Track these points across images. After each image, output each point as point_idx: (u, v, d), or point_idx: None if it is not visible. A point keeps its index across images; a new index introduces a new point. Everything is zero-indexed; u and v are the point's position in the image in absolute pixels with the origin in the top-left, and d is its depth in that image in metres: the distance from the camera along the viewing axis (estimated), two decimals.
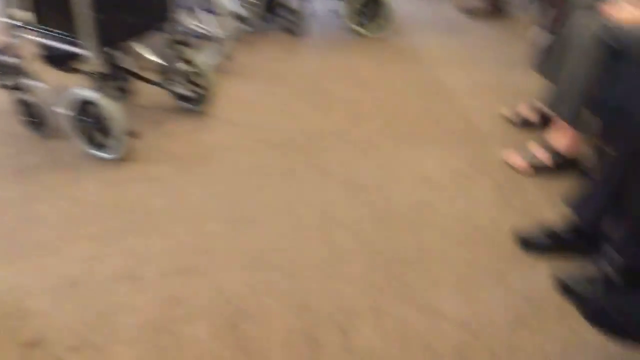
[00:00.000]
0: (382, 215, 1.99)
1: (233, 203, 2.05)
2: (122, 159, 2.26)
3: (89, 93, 2.14)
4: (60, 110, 2.24)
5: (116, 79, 2.54)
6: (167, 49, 2.48)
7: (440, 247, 1.85)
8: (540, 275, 1.74)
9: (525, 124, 2.55)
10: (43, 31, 2.15)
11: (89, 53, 2.07)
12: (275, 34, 3.56)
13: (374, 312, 1.60)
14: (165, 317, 1.57)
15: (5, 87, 2.39)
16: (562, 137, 2.18)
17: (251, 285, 1.68)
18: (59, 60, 2.30)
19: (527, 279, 1.73)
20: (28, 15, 2.18)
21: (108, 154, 2.25)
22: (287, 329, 1.54)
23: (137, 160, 2.28)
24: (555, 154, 2.20)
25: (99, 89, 2.13)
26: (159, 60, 2.54)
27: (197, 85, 2.56)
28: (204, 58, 2.56)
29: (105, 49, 2.12)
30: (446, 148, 2.41)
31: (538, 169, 2.22)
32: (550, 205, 2.03)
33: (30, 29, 2.18)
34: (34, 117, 2.41)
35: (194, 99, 2.60)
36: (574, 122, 2.11)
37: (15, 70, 2.33)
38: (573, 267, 1.74)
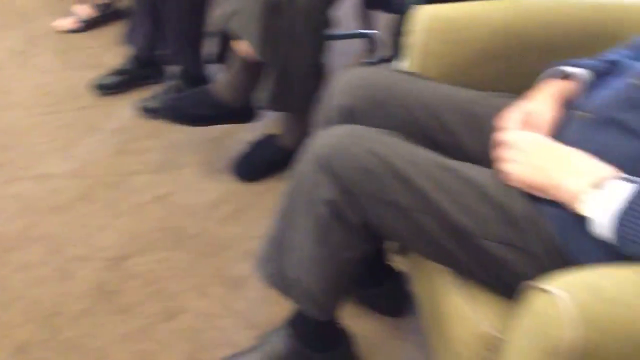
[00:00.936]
0: None
1: None
2: None
3: None
4: None
5: None
6: None
7: (29, 122, 1.90)
8: (126, 110, 1.96)
9: None
10: None
11: None
12: None
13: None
14: None
15: None
16: None
17: None
18: None
19: (117, 117, 1.93)
20: None
21: None
22: None
23: None
24: (98, 5, 2.35)
25: None
26: None
27: None
28: None
29: None
30: None
31: (89, 24, 2.35)
32: (110, 51, 2.22)
33: None
34: None
35: None
36: None
37: None
38: (150, 94, 2.00)
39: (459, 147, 1.01)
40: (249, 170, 1.72)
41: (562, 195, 0.79)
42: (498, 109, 0.99)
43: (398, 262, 1.28)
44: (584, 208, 0.75)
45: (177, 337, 1.28)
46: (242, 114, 1.70)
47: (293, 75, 1.53)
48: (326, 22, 1.59)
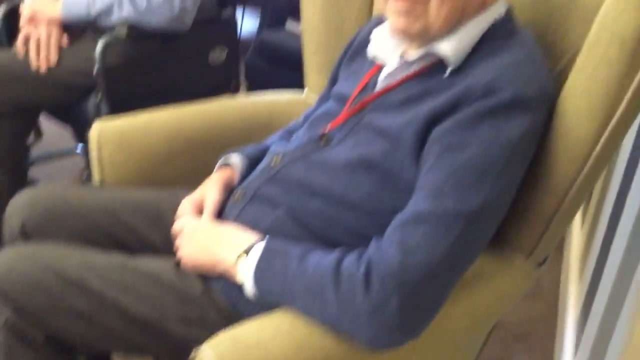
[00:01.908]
0: None
1: None
2: None
3: None
4: None
5: None
6: None
7: None
8: None
9: None
10: None
11: None
12: None
13: None
14: None
15: None
16: None
17: None
18: None
19: None
20: None
21: None
22: None
23: None
24: None
25: None
26: None
27: None
28: None
29: None
30: None
31: None
32: None
33: None
34: None
35: None
36: None
37: None
38: None
39: (146, 244, 1.07)
40: None
41: (224, 269, 0.89)
42: (179, 201, 1.09)
43: None
44: (238, 276, 0.86)
45: None
46: None
47: None
48: (21, 149, 1.59)
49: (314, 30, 1.35)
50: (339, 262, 0.80)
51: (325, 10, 1.31)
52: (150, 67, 1.60)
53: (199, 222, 0.98)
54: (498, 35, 0.87)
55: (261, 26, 2.49)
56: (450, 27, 0.87)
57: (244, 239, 0.90)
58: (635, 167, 1.15)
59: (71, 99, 1.56)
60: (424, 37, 0.88)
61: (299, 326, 0.76)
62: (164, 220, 1.09)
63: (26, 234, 1.03)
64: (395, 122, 0.88)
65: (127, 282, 0.90)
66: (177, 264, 0.95)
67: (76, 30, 1.57)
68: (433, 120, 0.83)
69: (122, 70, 1.53)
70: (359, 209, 0.88)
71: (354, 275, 0.77)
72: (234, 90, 1.87)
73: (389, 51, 0.97)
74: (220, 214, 1.02)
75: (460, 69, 0.86)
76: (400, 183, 0.86)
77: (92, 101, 1.54)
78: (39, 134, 2.24)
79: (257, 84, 2.50)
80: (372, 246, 0.80)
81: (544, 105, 0.82)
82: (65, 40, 1.54)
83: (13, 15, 1.63)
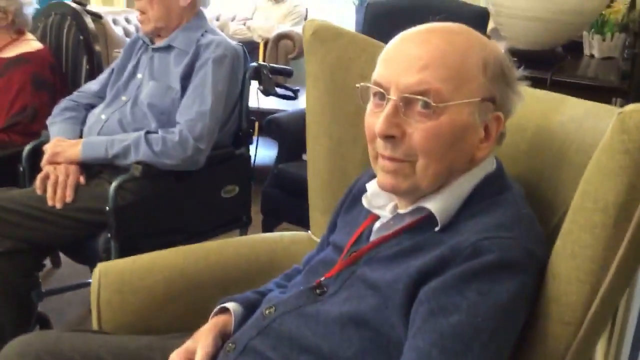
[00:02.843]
0: None
1: None
2: None
3: None
4: None
5: None
6: None
7: None
8: None
9: None
10: None
11: None
12: None
13: None
14: None
15: None
16: None
17: None
18: None
19: None
20: None
21: None
22: None
23: None
24: None
25: None
26: None
27: None
28: None
29: None
30: None
31: None
32: None
33: None
34: None
35: None
36: None
37: None
38: None
39: None
40: None
41: None
42: (172, 351, 1.07)
43: None
44: None
45: None
46: None
47: None
48: (31, 284, 1.60)
49: (318, 172, 1.38)
50: None
51: (330, 153, 1.35)
52: (162, 204, 1.64)
53: None
54: (488, 192, 0.88)
55: (279, 158, 2.57)
56: (440, 183, 0.88)
57: None
58: None
59: (83, 236, 1.59)
60: (414, 194, 0.89)
61: None
62: None
63: None
64: (385, 277, 0.87)
65: None
66: None
67: (93, 167, 1.64)
68: (421, 279, 0.82)
69: (135, 208, 1.57)
70: None
71: None
72: (246, 224, 1.90)
73: (383, 203, 0.98)
74: None
75: (450, 224, 0.86)
76: (390, 344, 0.83)
77: (103, 238, 1.57)
78: (57, 263, 2.28)
79: (273, 214, 2.53)
80: None
81: (533, 267, 0.80)
82: (82, 179, 1.60)
83: (36, 154, 1.73)
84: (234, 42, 1.74)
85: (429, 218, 0.88)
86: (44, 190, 1.56)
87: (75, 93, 1.85)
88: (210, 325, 1.09)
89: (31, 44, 1.97)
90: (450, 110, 0.84)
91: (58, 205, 1.55)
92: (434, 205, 0.87)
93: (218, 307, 1.13)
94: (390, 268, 0.88)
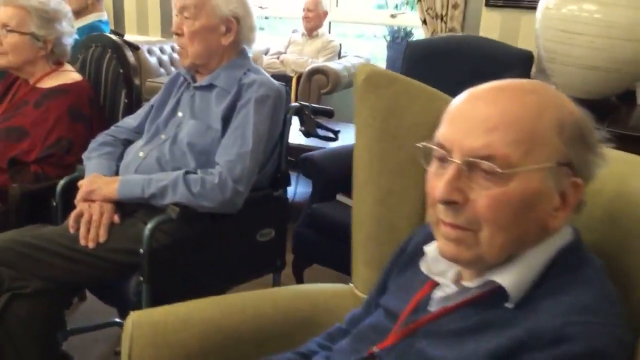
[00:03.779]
0: None
1: None
2: None
3: None
4: None
5: None
6: None
7: None
8: None
9: None
10: None
11: None
12: None
13: None
14: None
15: None
16: None
17: None
18: None
19: None
20: None
21: None
22: None
23: None
24: None
25: None
26: None
27: None
28: None
29: None
30: None
31: None
32: None
33: None
34: None
35: None
36: None
37: None
38: None
39: None
40: None
41: None
42: None
43: None
44: None
45: None
46: None
47: None
48: (58, 324, 1.54)
49: (363, 222, 1.31)
50: None
51: (377, 204, 1.28)
52: (196, 248, 1.58)
53: None
54: (565, 267, 0.79)
55: (312, 197, 2.50)
56: (507, 255, 0.80)
57: None
58: None
59: (114, 277, 1.54)
60: (478, 264, 0.82)
61: None
62: None
63: None
64: (450, 355, 0.79)
65: None
66: None
67: (128, 206, 1.59)
68: None
69: (169, 251, 1.51)
70: None
71: None
72: (279, 268, 1.83)
73: (444, 268, 0.90)
74: None
75: (523, 301, 0.78)
76: None
77: (134, 281, 1.51)
78: (82, 297, 2.23)
79: (304, 255, 2.45)
80: None
81: (622, 355, 0.72)
82: (116, 218, 1.55)
83: (70, 189, 1.69)
84: (277, 82, 1.69)
85: (498, 292, 0.80)
86: (77, 229, 1.52)
87: (112, 128, 1.82)
88: None
89: (70, 75, 1.95)
90: (519, 176, 0.77)
91: (91, 245, 1.49)
92: (505, 278, 0.79)
93: None
94: (454, 345, 0.80)
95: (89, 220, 1.51)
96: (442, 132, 0.84)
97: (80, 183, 1.60)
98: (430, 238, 0.93)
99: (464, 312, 0.83)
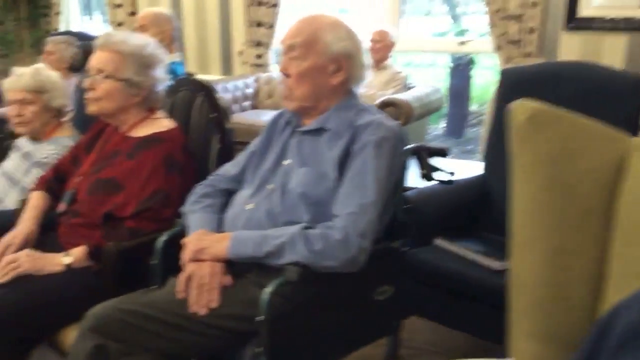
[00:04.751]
0: None
1: None
2: None
3: None
4: None
5: None
6: None
7: None
8: None
9: None
10: None
11: None
12: None
13: None
14: None
15: None
16: None
17: None
18: None
19: None
20: None
21: None
22: None
23: None
24: None
25: None
26: None
27: None
28: None
29: None
30: None
31: None
32: None
33: None
34: None
35: None
36: None
37: None
38: None
39: None
40: None
41: None
42: None
43: None
44: None
45: None
46: None
47: None
48: None
49: (527, 286, 1.12)
50: None
51: (547, 265, 1.09)
52: (313, 312, 1.41)
53: None
54: None
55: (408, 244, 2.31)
56: None
57: None
58: None
59: (225, 347, 1.38)
60: None
61: None
62: None
63: None
64: None
65: None
66: None
67: (237, 266, 1.44)
68: None
69: (290, 317, 1.35)
70: None
71: None
72: (395, 330, 1.64)
73: None
74: None
75: None
76: None
77: (250, 352, 1.34)
78: None
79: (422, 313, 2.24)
80: None
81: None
82: (228, 279, 1.40)
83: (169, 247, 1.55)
84: (393, 123, 1.53)
85: None
86: (187, 293, 1.37)
87: (211, 177, 1.68)
88: None
89: (163, 122, 1.83)
90: None
91: (202, 312, 1.34)
92: None
93: None
94: None
95: (200, 284, 1.36)
96: None
97: (186, 240, 1.46)
98: None
99: None
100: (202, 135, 1.90)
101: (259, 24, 4.46)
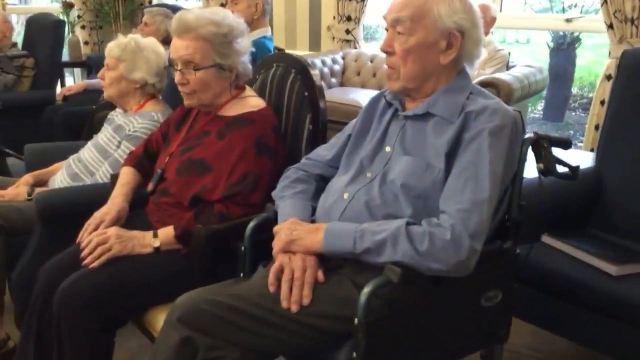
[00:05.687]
0: None
1: None
2: None
3: None
4: None
5: None
6: None
7: None
8: None
9: None
10: None
11: None
12: None
13: None
14: None
15: None
16: None
17: None
18: None
19: None
20: None
21: None
22: None
23: None
24: None
25: None
26: None
27: None
28: None
29: None
30: None
31: None
32: None
33: None
34: None
35: None
36: None
37: None
38: None
39: None
40: None
41: None
42: None
43: None
44: None
45: None
46: None
47: None
48: None
49: None
50: None
51: None
52: (414, 316, 1.28)
53: None
54: None
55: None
56: None
57: None
58: None
59: (316, 348, 1.28)
60: None
61: None
62: None
63: None
64: None
65: None
66: None
67: (330, 259, 1.33)
68: None
69: (389, 320, 1.23)
70: None
71: None
72: (502, 339, 1.48)
73: None
74: None
75: None
76: None
77: (344, 355, 1.23)
78: None
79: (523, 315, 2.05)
80: None
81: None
82: (321, 275, 1.29)
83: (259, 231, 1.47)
84: (511, 108, 1.36)
85: None
86: (278, 287, 1.27)
87: (304, 161, 1.57)
88: None
89: (253, 101, 1.73)
90: None
91: (294, 308, 1.24)
92: None
93: None
94: None
95: (291, 278, 1.26)
96: None
97: (277, 229, 1.36)
98: None
99: None
100: (295, 115, 1.79)
101: None
